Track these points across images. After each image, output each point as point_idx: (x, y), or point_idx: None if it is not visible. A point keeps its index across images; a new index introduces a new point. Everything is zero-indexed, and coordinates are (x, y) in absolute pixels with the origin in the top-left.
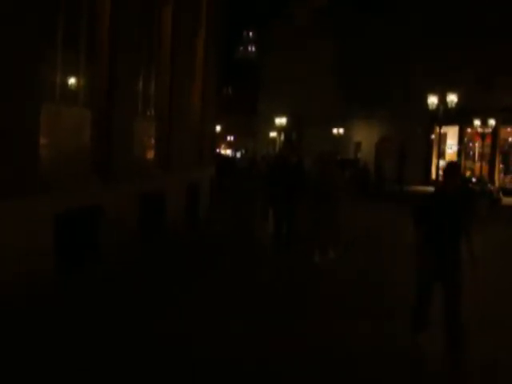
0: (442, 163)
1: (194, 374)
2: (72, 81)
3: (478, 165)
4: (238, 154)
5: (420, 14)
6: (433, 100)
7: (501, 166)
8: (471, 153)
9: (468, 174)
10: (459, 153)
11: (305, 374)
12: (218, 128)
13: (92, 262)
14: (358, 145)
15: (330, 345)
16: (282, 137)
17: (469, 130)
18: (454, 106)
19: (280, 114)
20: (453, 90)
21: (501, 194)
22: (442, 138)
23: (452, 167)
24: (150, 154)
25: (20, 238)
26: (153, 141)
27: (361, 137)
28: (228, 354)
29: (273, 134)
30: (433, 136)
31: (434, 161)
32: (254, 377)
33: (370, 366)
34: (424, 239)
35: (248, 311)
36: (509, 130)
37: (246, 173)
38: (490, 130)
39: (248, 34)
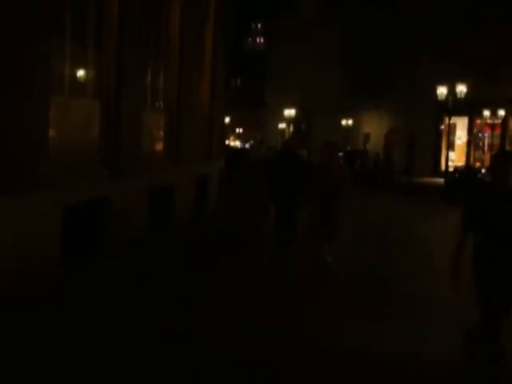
0: (451, 154)
1: (194, 373)
2: (81, 74)
3: (487, 155)
4: (247, 145)
5: (426, 5)
6: (442, 90)
7: None
8: (480, 143)
9: (477, 164)
10: (469, 144)
11: (305, 374)
12: (227, 120)
13: (99, 256)
14: (367, 136)
15: (331, 344)
16: (292, 128)
17: (478, 120)
18: (463, 96)
19: (288, 106)
20: (462, 81)
21: None
22: (452, 129)
23: (506, 156)
24: (159, 147)
25: (26, 232)
26: (162, 133)
27: (370, 128)
28: (228, 354)
29: (282, 126)
30: (442, 127)
31: (444, 152)
32: (254, 377)
33: (371, 366)
34: (477, 253)
35: (249, 311)
36: None
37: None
38: (499, 120)
39: (256, 25)
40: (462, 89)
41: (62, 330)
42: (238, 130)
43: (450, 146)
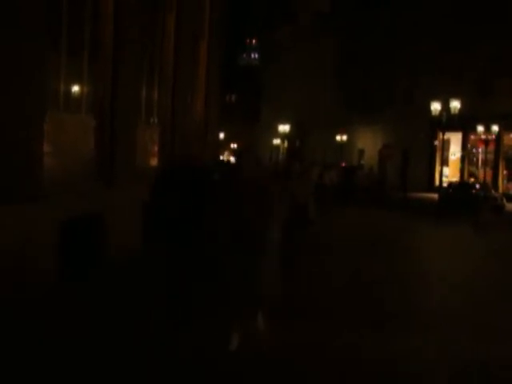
0: (445, 170)
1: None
2: (75, 88)
3: (481, 171)
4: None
5: (421, 21)
6: (436, 106)
7: (504, 172)
8: (474, 159)
9: (471, 180)
10: (463, 159)
11: None
12: (222, 135)
13: (94, 268)
14: (362, 152)
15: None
16: (286, 144)
17: (472, 136)
18: (457, 112)
19: (283, 121)
20: (456, 96)
21: (504, 201)
22: (446, 145)
23: None
24: (153, 162)
25: (22, 245)
26: (156, 148)
27: (364, 144)
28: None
29: (276, 141)
30: (436, 142)
31: (438, 167)
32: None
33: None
34: None
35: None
36: None
37: None
38: (493, 136)
39: (251, 41)
40: (455, 104)
41: (53, 337)
42: (232, 146)
43: (444, 162)
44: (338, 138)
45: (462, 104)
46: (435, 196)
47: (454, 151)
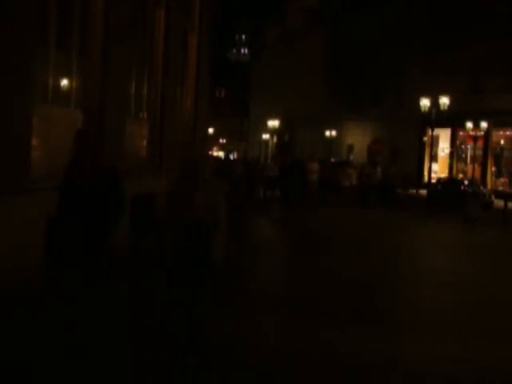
0: (434, 166)
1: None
2: (64, 82)
3: (470, 167)
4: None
5: (412, 16)
6: (425, 103)
7: (493, 168)
8: (463, 155)
9: (460, 176)
10: (451, 155)
11: None
12: (211, 130)
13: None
14: (351, 147)
15: None
16: (275, 139)
17: (461, 132)
18: (446, 108)
19: (272, 117)
20: (445, 93)
21: (493, 197)
22: (435, 141)
23: None
24: (142, 157)
25: (10, 240)
26: (145, 143)
27: (353, 139)
28: None
29: (265, 137)
30: (425, 138)
31: (427, 163)
32: None
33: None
34: None
35: None
36: (501, 132)
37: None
38: (482, 132)
39: (240, 36)
40: (445, 101)
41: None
42: (221, 141)
43: (433, 158)
44: (328, 133)
45: (452, 101)
46: (424, 192)
47: (443, 147)
